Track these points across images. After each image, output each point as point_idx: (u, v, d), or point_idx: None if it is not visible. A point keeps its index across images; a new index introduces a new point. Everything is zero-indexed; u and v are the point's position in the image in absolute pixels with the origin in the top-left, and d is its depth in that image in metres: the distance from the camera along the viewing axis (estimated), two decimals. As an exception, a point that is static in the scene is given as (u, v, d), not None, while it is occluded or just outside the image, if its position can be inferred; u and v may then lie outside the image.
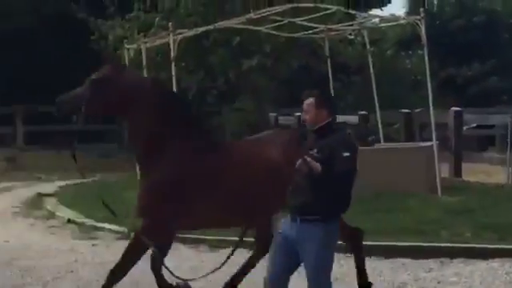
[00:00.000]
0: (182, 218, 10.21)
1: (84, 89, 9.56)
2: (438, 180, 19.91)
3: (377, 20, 27.88)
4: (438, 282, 12.66)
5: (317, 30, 22.96)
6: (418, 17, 21.40)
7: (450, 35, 46.30)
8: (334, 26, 23.38)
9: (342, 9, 23.06)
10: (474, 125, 29.36)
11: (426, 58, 20.62)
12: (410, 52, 41.37)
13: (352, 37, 25.20)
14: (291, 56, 25.13)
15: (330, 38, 23.79)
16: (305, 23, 22.35)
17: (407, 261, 14.03)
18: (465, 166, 24.60)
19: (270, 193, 10.14)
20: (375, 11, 40.26)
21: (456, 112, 25.12)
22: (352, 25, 24.01)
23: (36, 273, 13.83)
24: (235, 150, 10.75)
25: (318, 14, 22.05)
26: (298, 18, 22.00)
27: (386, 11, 44.40)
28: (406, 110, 27.92)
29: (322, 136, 8.68)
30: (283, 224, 8.80)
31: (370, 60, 23.77)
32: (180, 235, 12.74)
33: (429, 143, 20.87)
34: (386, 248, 14.67)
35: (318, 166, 8.10)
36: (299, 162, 8.08)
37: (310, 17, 22.14)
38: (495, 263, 13.78)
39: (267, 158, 10.29)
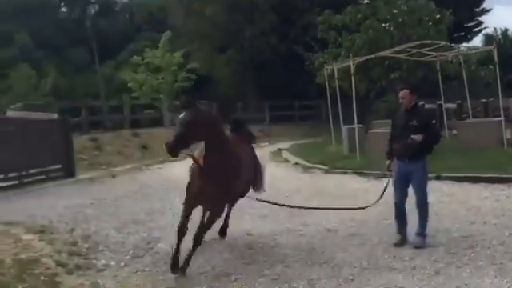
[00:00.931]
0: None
1: (179, 129, 7.38)
2: (504, 139, 19.23)
3: (464, 49, 27.06)
4: (507, 197, 12.20)
5: (433, 55, 22.44)
6: (492, 47, 20.76)
7: (509, 56, 44.39)
8: (442, 53, 22.81)
9: (448, 43, 22.58)
10: (524, 107, 28.13)
11: (497, 70, 19.94)
12: (485, 66, 40.10)
13: (450, 59, 24.44)
14: (418, 71, 24.59)
15: (440, 60, 23.20)
16: (426, 52, 21.87)
17: (488, 185, 13.56)
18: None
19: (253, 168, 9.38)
20: (465, 44, 39.44)
21: (514, 100, 24.38)
22: (451, 52, 23.42)
23: (283, 188, 14.11)
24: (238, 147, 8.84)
25: (433, 47, 21.57)
26: (423, 49, 21.54)
27: (470, 43, 43.51)
28: (484, 100, 27.05)
29: (413, 112, 8.79)
30: (396, 166, 8.86)
31: (464, 72, 23.09)
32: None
33: (498, 118, 20.14)
34: (475, 178, 14.24)
35: (420, 137, 8.44)
36: (410, 140, 8.46)
37: (428, 48, 21.65)
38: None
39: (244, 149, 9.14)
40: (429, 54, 22.40)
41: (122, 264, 8.36)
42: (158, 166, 21.50)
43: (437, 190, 12.56)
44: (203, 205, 8.35)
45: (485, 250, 8.29)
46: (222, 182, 7.88)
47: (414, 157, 8.63)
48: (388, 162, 9.05)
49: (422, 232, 8.74)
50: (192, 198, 8.09)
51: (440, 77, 23.46)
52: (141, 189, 15.74)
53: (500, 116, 20.03)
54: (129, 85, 34.17)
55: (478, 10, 50.65)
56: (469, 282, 6.99)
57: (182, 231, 7.94)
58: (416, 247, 8.54)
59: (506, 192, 12.74)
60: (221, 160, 7.81)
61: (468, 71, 25.45)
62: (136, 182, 17.27)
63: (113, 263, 8.41)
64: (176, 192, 14.59)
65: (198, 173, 7.96)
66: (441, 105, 25.00)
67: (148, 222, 11.14)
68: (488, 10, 51.08)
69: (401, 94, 8.86)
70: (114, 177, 18.79)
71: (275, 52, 39.11)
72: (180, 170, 19.59)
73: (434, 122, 9.19)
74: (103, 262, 8.48)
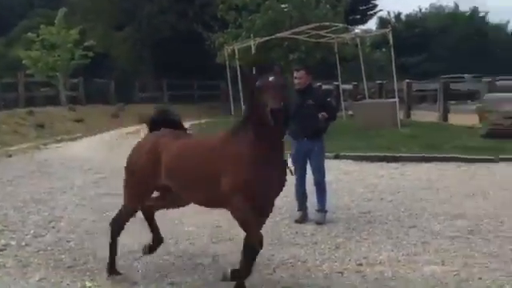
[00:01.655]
0: None
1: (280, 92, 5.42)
2: (398, 119, 19.97)
3: (359, 31, 27.79)
4: (402, 175, 12.81)
5: (331, 37, 22.95)
6: (387, 30, 21.47)
7: (401, 40, 45.94)
8: (340, 35, 23.37)
9: (345, 26, 23.19)
10: (415, 89, 29.18)
11: (393, 52, 20.60)
12: (378, 49, 41.32)
13: (347, 41, 25.00)
14: (316, 52, 24.97)
15: (338, 42, 23.76)
16: (324, 34, 22.33)
17: (383, 164, 14.15)
18: (412, 112, 24.61)
19: None
20: (360, 26, 40.55)
21: (408, 82, 25.18)
22: (348, 34, 24.07)
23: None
24: None
25: (331, 29, 22.08)
26: (321, 31, 21.99)
27: (365, 26, 44.84)
28: (379, 81, 27.92)
29: (308, 91, 8.96)
30: (295, 145, 8.99)
31: (360, 54, 23.74)
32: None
33: (393, 100, 20.87)
34: (371, 157, 14.81)
35: (325, 114, 8.64)
36: (320, 116, 8.57)
37: (327, 30, 22.14)
38: (432, 164, 13.91)
39: None
40: (327, 36, 22.87)
41: (23, 243, 8.17)
42: (56, 145, 20.99)
43: (335, 169, 12.95)
44: (263, 200, 5.91)
45: (382, 226, 8.67)
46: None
47: (312, 136, 8.84)
48: None
49: (321, 209, 9.01)
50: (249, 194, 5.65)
51: (337, 58, 24.05)
52: (39, 168, 15.33)
53: (394, 97, 20.77)
54: (23, 62, 33.05)
55: (373, -8, 52.11)
56: (367, 256, 7.29)
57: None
58: (317, 223, 8.81)
59: (400, 170, 13.36)
60: (282, 141, 5.91)
61: (364, 53, 26.21)
62: (34, 162, 16.80)
63: (13, 243, 8.21)
64: (76, 171, 14.45)
65: (254, 160, 5.64)
66: (338, 86, 25.66)
67: (49, 201, 10.92)
68: (383, -6, 52.83)
69: (297, 74, 8.96)
70: (10, 156, 18.21)
71: (174, 30, 38.74)
72: (79, 149, 19.37)
73: (329, 99, 9.49)
74: (3, 241, 8.26)
